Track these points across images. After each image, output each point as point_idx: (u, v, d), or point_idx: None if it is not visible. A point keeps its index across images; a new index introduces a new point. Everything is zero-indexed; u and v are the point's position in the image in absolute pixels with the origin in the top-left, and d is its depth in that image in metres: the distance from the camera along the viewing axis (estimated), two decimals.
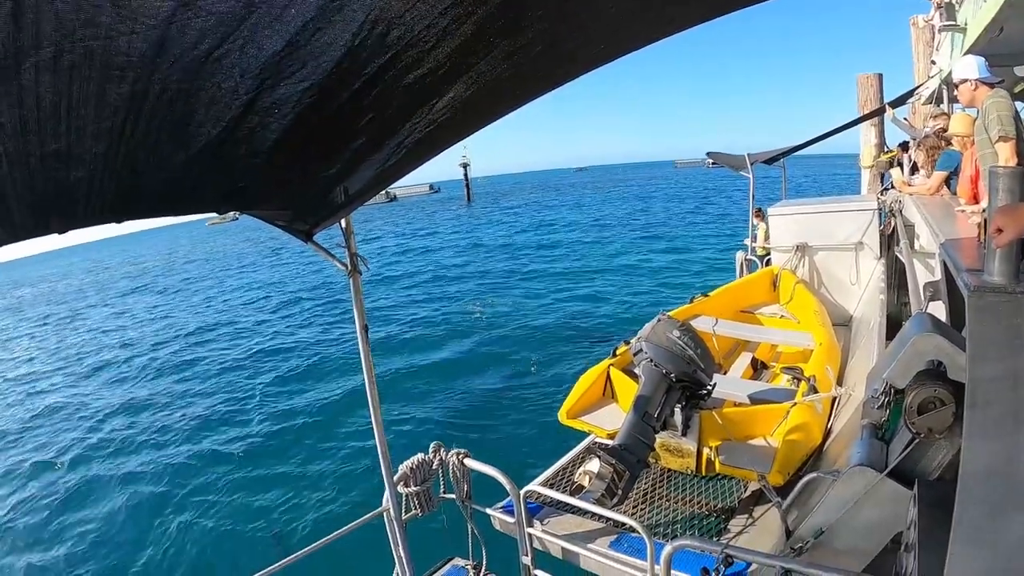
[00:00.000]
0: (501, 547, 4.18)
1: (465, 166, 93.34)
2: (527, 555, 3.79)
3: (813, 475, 3.32)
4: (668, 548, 2.85)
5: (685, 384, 4.39)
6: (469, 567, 4.22)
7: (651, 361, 4.25)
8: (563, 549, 3.92)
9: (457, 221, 64.14)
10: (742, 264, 10.20)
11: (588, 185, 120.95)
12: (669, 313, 5.48)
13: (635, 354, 4.39)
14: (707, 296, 7.46)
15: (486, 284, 26.02)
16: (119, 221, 1.89)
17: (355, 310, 3.14)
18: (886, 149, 14.46)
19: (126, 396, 16.94)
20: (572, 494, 3.84)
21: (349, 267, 3.05)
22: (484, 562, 4.12)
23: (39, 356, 25.99)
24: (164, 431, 13.29)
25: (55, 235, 1.81)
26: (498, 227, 52.37)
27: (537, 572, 3.79)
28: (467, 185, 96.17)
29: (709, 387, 4.59)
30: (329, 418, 12.65)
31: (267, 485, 9.97)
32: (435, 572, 4.27)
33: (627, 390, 5.17)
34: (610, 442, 5.01)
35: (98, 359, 22.62)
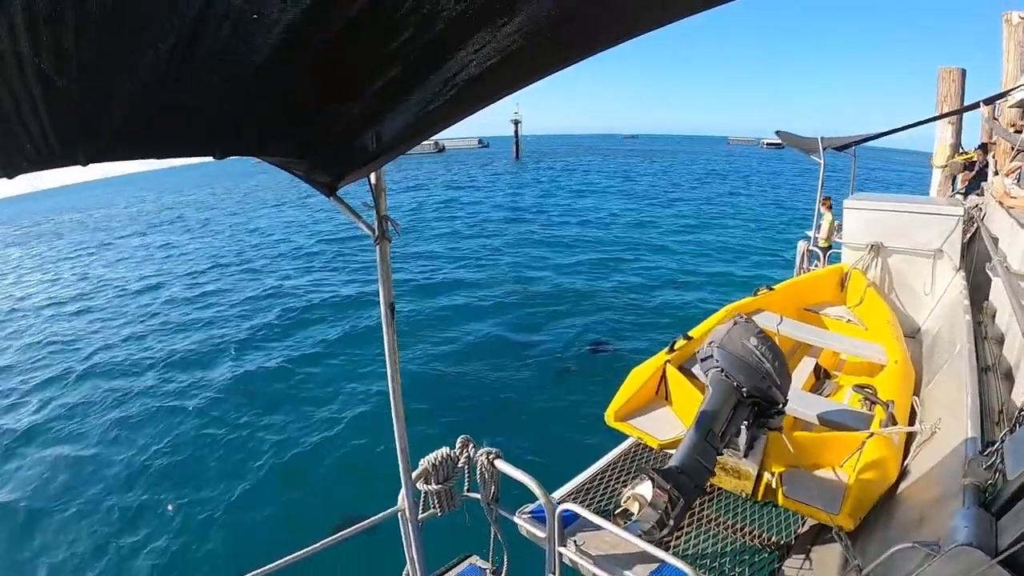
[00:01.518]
0: (522, 550, 3.76)
1: (516, 123, 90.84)
2: (554, 573, 3.34)
3: (906, 546, 2.73)
4: None
5: (756, 400, 3.79)
6: (488, 570, 3.83)
7: (722, 371, 3.66)
8: (594, 573, 3.47)
9: (504, 178, 62.74)
10: (803, 255, 9.43)
11: (638, 153, 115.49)
12: (738, 308, 4.85)
13: (703, 359, 3.80)
14: (772, 290, 6.76)
15: (527, 251, 24.85)
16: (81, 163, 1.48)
17: (380, 283, 2.61)
18: (961, 150, 13.49)
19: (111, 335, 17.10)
20: (614, 513, 3.35)
21: (376, 232, 2.52)
22: (505, 568, 3.71)
23: (66, 280, 26.98)
24: (171, 395, 12.70)
25: (80, 167, 1.50)
26: (546, 188, 50.79)
27: None
28: (517, 142, 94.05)
29: (781, 406, 3.98)
30: (350, 400, 11.80)
31: (278, 472, 9.42)
32: (451, 569, 3.90)
33: (683, 392, 4.61)
34: (668, 451, 4.48)
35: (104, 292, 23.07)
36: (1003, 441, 2.75)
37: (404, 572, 3.60)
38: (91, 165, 1.51)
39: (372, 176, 2.39)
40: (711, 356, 3.70)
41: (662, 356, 5.05)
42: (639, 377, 4.84)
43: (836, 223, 9.71)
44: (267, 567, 2.85)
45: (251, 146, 1.84)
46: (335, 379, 12.82)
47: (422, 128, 1.80)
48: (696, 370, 4.60)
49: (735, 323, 3.82)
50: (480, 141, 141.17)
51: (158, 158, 1.57)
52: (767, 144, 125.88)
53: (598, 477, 4.29)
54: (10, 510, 9.13)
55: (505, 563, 3.68)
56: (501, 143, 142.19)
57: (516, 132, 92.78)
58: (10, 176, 1.40)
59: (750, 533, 4.06)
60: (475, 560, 3.96)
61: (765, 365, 3.74)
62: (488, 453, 3.26)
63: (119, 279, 25.60)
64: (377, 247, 2.55)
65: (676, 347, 5.11)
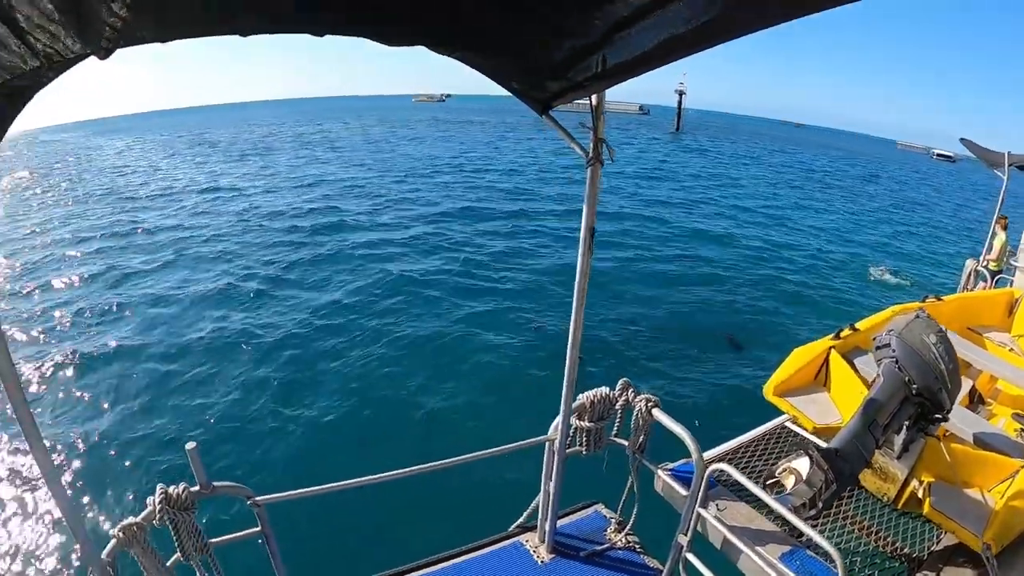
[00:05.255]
0: (650, 507, 3.75)
1: (681, 93, 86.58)
2: (686, 534, 3.31)
3: None
4: None
5: (923, 400, 3.58)
6: (614, 520, 3.85)
7: (896, 362, 3.46)
8: (725, 539, 3.41)
9: (663, 147, 62.02)
10: (970, 274, 8.82)
11: (805, 143, 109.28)
12: (904, 310, 4.57)
13: (879, 347, 3.60)
14: (940, 300, 6.35)
15: (690, 223, 24.34)
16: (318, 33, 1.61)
17: (586, 206, 2.61)
18: None
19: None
20: (764, 483, 3.27)
21: (590, 154, 2.51)
22: (632, 521, 3.71)
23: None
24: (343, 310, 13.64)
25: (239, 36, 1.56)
26: (710, 163, 49.87)
27: (688, 556, 3.31)
28: (679, 113, 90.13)
29: (945, 412, 3.74)
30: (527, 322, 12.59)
31: (446, 380, 10.08)
32: (577, 511, 3.95)
33: (844, 380, 4.45)
34: (812, 438, 4.35)
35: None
36: None
37: (534, 501, 3.69)
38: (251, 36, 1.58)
39: (593, 98, 2.36)
40: (888, 345, 3.51)
41: (827, 341, 4.88)
42: (801, 357, 4.70)
43: (1009, 247, 8.96)
44: (417, 467, 3.03)
45: (461, 46, 1.86)
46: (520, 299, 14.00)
47: (652, 58, 1.71)
48: (858, 362, 4.39)
49: (917, 316, 3.61)
50: (641, 108, 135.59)
51: (341, 33, 1.63)
52: (937, 155, 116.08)
53: (741, 449, 4.20)
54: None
55: (633, 517, 3.68)
56: (661, 112, 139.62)
57: (680, 103, 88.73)
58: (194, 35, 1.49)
59: (883, 539, 3.86)
60: (601, 508, 3.99)
61: (940, 366, 3.52)
62: (648, 400, 3.25)
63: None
64: (589, 169, 2.54)
65: (841, 335, 4.92)
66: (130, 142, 66.99)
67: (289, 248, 18.78)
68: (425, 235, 20.37)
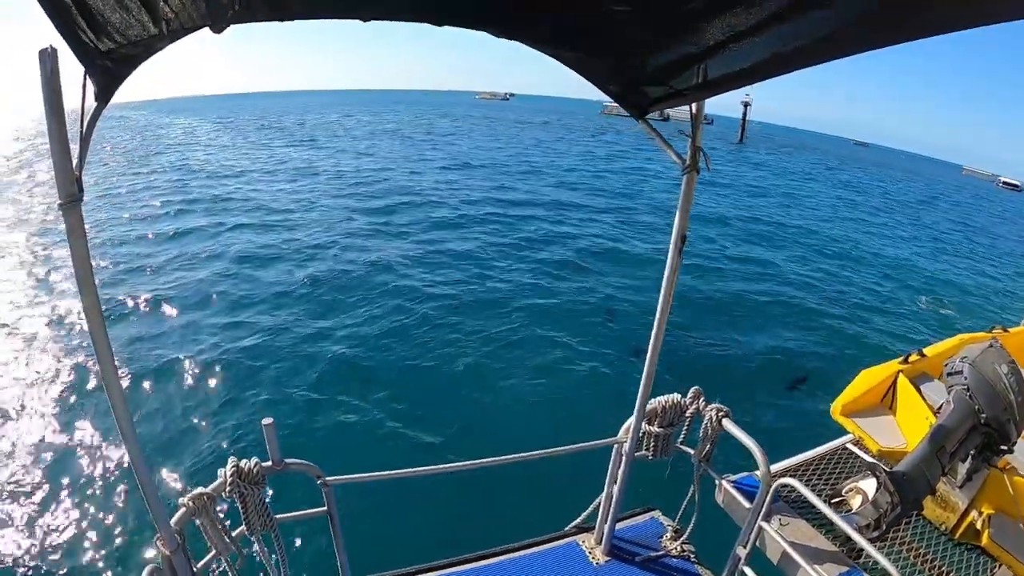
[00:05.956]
0: (708, 517, 3.79)
1: (746, 104, 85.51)
2: (745, 547, 3.35)
3: None
4: None
5: (990, 431, 3.58)
6: (670, 528, 3.90)
7: (967, 390, 3.48)
8: (784, 555, 3.45)
9: (725, 156, 62.07)
10: None
11: (867, 162, 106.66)
12: (973, 339, 4.56)
13: (951, 373, 3.62)
14: (1007, 332, 6.27)
15: (759, 240, 23.99)
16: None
17: (679, 212, 2.64)
18: None
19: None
20: (830, 501, 3.31)
21: (687, 162, 2.55)
22: (689, 530, 3.77)
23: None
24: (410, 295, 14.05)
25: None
26: (774, 176, 49.61)
27: (746, 569, 3.35)
28: (743, 124, 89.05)
29: (1011, 444, 3.73)
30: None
31: (528, 375, 10.25)
32: (633, 516, 4.02)
33: (911, 406, 4.45)
34: (872, 460, 4.36)
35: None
36: None
37: (594, 503, 3.77)
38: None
39: (693, 106, 2.41)
40: (960, 372, 3.53)
41: (894, 365, 4.88)
42: (869, 379, 4.72)
43: None
44: (483, 460, 3.16)
45: (565, 45, 1.96)
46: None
47: (756, 72, 1.75)
48: (924, 388, 4.39)
49: (991, 346, 3.62)
50: (705, 117, 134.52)
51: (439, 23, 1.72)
52: (1004, 183, 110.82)
53: (803, 466, 4.22)
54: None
55: (692, 525, 3.73)
56: (725, 122, 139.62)
57: (744, 114, 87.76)
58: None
59: (938, 568, 3.84)
60: (658, 515, 4.04)
61: (1011, 396, 3.53)
62: (718, 410, 3.31)
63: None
64: (684, 176, 2.59)
65: (910, 360, 4.92)
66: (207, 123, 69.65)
67: (375, 234, 19.48)
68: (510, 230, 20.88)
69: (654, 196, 31.06)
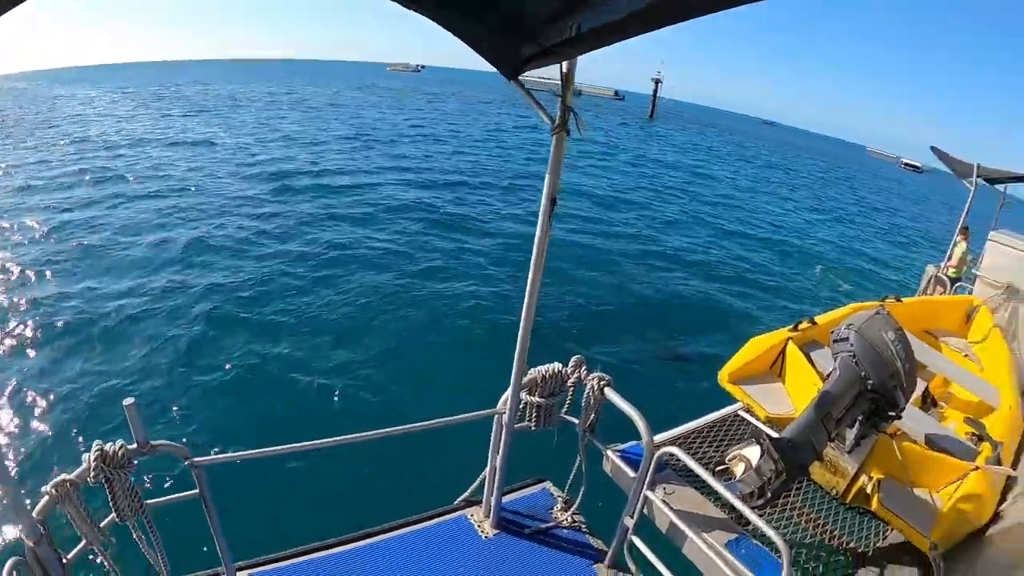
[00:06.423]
0: (599, 487, 3.70)
1: (657, 81, 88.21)
2: (632, 516, 3.26)
3: None
4: None
5: (877, 397, 3.56)
6: (560, 499, 3.79)
7: (853, 357, 3.43)
8: (671, 524, 3.38)
9: (634, 133, 62.25)
10: (930, 280, 9.10)
11: (773, 140, 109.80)
12: (863, 308, 4.56)
13: (837, 340, 3.57)
14: (899, 301, 6.41)
15: (656, 212, 24.32)
16: None
17: (549, 174, 2.53)
18: None
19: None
20: (714, 469, 3.23)
21: (557, 122, 2.40)
22: (578, 500, 3.66)
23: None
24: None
25: None
26: (679, 154, 49.50)
27: (634, 538, 3.27)
28: (654, 101, 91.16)
29: (899, 410, 3.73)
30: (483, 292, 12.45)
31: (389, 355, 9.81)
32: (525, 487, 3.89)
33: (800, 373, 4.44)
34: (763, 427, 4.33)
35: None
36: None
37: (481, 476, 3.61)
38: None
39: (564, 66, 2.27)
40: (846, 339, 3.47)
41: (784, 332, 4.87)
42: (758, 347, 4.68)
43: (969, 256, 9.13)
44: (357, 435, 2.94)
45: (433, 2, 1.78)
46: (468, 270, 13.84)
47: (626, 27, 1.65)
48: (814, 355, 4.36)
49: (878, 313, 3.57)
50: (616, 92, 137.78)
51: None
52: (905, 164, 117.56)
53: (692, 435, 4.17)
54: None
55: (580, 496, 3.63)
56: (636, 99, 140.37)
57: (655, 91, 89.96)
58: None
59: (829, 532, 3.87)
60: (548, 485, 3.94)
61: (897, 363, 3.50)
62: (600, 378, 3.17)
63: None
64: (554, 137, 2.45)
65: (800, 328, 4.91)
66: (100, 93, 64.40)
67: (247, 204, 18.47)
68: (391, 201, 20.15)
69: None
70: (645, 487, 3.17)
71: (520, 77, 2.26)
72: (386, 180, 23.51)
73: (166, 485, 5.90)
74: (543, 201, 2.57)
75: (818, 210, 32.76)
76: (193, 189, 20.33)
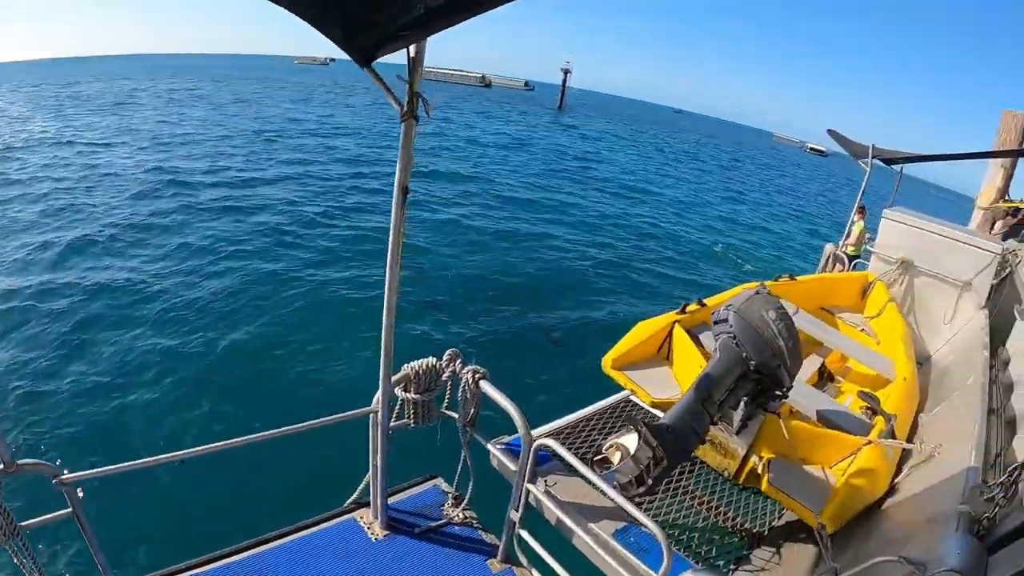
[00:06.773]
0: (490, 482, 3.63)
1: (566, 72, 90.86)
2: (517, 510, 3.20)
3: (889, 559, 2.57)
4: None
5: (761, 377, 3.58)
6: (451, 495, 3.70)
7: (733, 338, 3.43)
8: (559, 518, 3.33)
9: (544, 123, 62.64)
10: (829, 258, 9.38)
11: (682, 128, 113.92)
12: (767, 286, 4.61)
13: (717, 322, 3.57)
14: (794, 280, 6.55)
15: (550, 197, 24.54)
16: None
17: (399, 162, 2.41)
18: (1007, 197, 13.09)
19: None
20: (592, 459, 3.18)
21: (405, 108, 2.30)
22: (468, 495, 3.57)
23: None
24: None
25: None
26: (585, 144, 49.78)
27: (522, 532, 3.21)
28: (563, 92, 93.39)
29: (785, 389, 3.77)
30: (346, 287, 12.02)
31: (258, 355, 9.34)
32: (414, 486, 3.78)
33: (686, 355, 4.42)
34: (655, 412, 4.31)
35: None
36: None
37: (365, 479, 3.48)
38: None
39: (412, 49, 2.19)
40: (725, 320, 3.47)
41: (671, 316, 4.86)
42: (644, 331, 4.65)
43: (867, 234, 9.48)
44: (229, 441, 2.73)
45: None
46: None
47: (469, 7, 1.65)
48: (703, 337, 4.38)
49: (757, 292, 3.59)
50: (526, 84, 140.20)
51: None
52: (811, 149, 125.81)
53: (580, 424, 4.13)
54: None
55: (470, 491, 3.55)
56: (546, 89, 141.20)
57: (564, 81, 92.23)
58: None
59: (723, 514, 3.91)
60: (439, 482, 3.84)
61: (779, 342, 3.51)
62: (475, 372, 3.07)
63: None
64: (403, 124, 2.34)
65: (687, 310, 4.91)
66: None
67: (124, 204, 17.45)
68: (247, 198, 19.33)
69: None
70: (526, 480, 3.11)
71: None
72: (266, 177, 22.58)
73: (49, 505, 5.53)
74: (395, 192, 2.45)
75: (719, 192, 33.97)
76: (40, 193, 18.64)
